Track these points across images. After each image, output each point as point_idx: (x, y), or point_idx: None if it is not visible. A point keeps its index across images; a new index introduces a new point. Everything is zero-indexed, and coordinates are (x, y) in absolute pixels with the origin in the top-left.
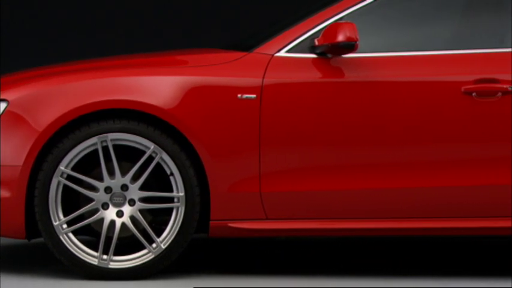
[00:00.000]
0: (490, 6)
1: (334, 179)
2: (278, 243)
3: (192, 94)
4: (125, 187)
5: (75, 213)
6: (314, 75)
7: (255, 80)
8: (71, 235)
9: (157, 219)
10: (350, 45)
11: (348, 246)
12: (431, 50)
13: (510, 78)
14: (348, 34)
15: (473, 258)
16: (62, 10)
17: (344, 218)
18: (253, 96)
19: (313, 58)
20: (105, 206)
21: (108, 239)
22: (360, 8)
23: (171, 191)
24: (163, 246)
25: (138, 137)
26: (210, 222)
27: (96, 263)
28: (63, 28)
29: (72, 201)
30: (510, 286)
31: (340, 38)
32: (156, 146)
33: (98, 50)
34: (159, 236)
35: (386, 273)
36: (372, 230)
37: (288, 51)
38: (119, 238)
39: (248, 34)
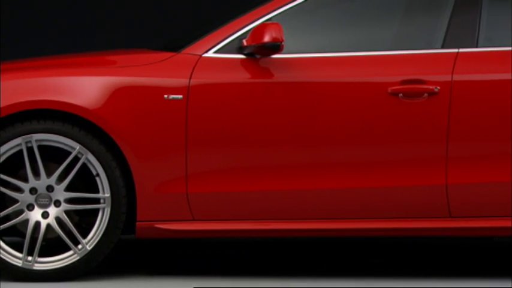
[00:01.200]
0: (418, 8)
1: (261, 180)
2: (278, 243)
3: (118, 95)
4: (50, 188)
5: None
6: (242, 76)
7: (181, 81)
8: None
9: (86, 220)
10: (276, 46)
11: (345, 246)
12: (359, 51)
13: (437, 79)
14: (274, 35)
15: (473, 258)
16: (62, 10)
17: (272, 219)
18: (180, 96)
19: (242, 59)
20: (30, 207)
21: (35, 240)
22: (290, 8)
23: (97, 192)
24: (88, 248)
25: (63, 137)
26: (137, 223)
27: (20, 265)
28: (62, 28)
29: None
30: (510, 286)
31: (266, 38)
32: (81, 146)
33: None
34: (86, 237)
35: (387, 273)
36: (300, 230)
37: (216, 52)
38: (46, 239)
39: (184, 35)
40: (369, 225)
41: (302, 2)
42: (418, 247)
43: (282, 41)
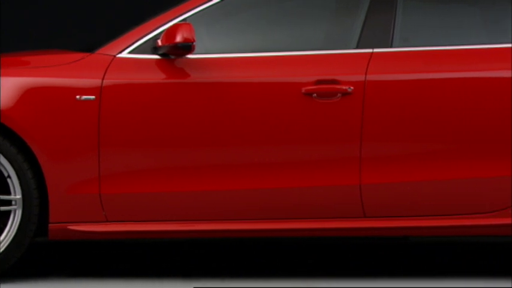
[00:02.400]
0: (334, 8)
1: (174, 181)
2: (279, 243)
3: (30, 96)
4: None
5: None
6: (156, 76)
7: (94, 81)
8: None
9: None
10: (187, 46)
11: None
12: (274, 51)
13: (350, 80)
14: (185, 35)
15: (473, 258)
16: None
17: (186, 219)
18: (92, 97)
19: (157, 59)
20: None
21: None
22: (206, 8)
23: (9, 193)
24: (0, 250)
25: None
26: (49, 225)
27: None
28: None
29: None
30: (510, 286)
31: (178, 39)
32: None
33: None
34: None
35: (388, 273)
36: (215, 231)
37: (130, 52)
38: None
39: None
40: (285, 225)
41: (218, 2)
42: (418, 247)
43: (193, 41)
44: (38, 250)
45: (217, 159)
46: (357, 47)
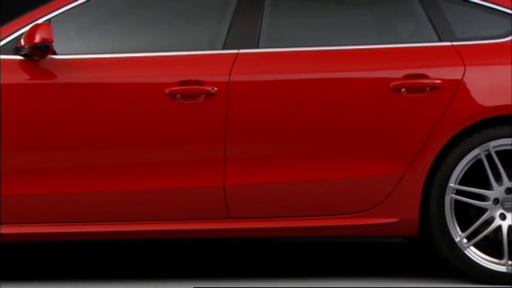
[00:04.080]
0: (202, 8)
1: (39, 182)
2: (281, 245)
3: None
4: None
5: None
6: (20, 77)
7: None
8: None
9: None
10: (45, 47)
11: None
12: (140, 52)
13: (214, 80)
14: (43, 36)
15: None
16: None
17: (54, 222)
18: None
19: (20, 60)
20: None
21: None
22: (72, 8)
23: None
24: None
25: None
26: None
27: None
28: None
29: None
30: (510, 286)
31: (37, 39)
32: None
33: None
34: None
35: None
36: (87, 234)
37: None
38: None
39: None
40: (149, 227)
41: (84, 2)
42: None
43: (51, 41)
44: (37, 250)
45: (83, 161)
46: (223, 48)
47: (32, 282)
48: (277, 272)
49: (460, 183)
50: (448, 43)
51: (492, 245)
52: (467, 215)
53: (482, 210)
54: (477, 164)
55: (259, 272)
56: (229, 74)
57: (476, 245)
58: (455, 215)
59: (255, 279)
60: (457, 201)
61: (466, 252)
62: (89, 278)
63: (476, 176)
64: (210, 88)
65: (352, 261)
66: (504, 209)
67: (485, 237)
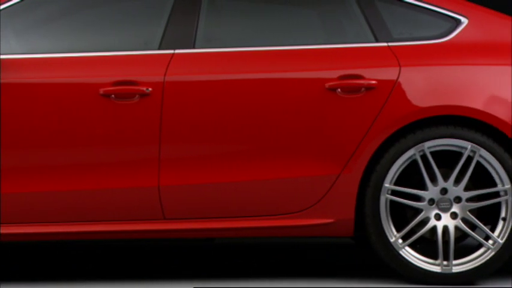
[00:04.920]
0: (138, 8)
1: None
2: (283, 245)
3: None
4: None
5: None
6: None
7: None
8: None
9: None
10: None
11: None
12: (75, 52)
13: (149, 80)
14: None
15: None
16: None
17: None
18: None
19: None
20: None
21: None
22: (5, 8)
23: None
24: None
25: None
26: None
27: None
28: None
29: None
30: (510, 286)
31: None
32: None
33: None
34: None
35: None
36: (24, 235)
37: None
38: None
39: None
40: (83, 228)
41: (19, 2)
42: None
43: None
44: (37, 251)
45: (15, 161)
46: (159, 48)
47: (32, 282)
48: (277, 272)
49: (396, 184)
50: (384, 44)
51: (429, 245)
52: (404, 215)
53: (419, 211)
54: (413, 164)
55: (259, 273)
56: (164, 74)
57: (412, 246)
58: (393, 215)
59: (255, 279)
60: (395, 202)
61: (401, 252)
62: (88, 278)
63: (412, 176)
64: (144, 88)
65: (291, 261)
66: (439, 209)
67: (422, 237)
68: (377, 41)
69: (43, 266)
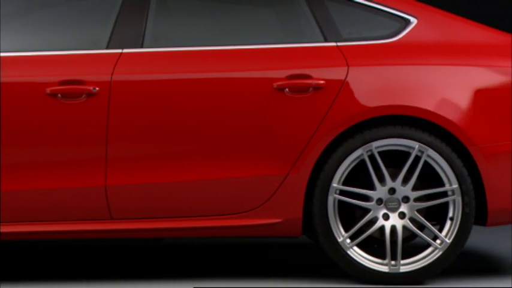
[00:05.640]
0: (88, 7)
1: None
2: (284, 246)
3: None
4: None
5: None
6: None
7: None
8: None
9: None
10: None
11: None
12: (24, 51)
13: (96, 80)
14: None
15: (473, 258)
16: None
17: None
18: None
19: None
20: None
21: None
22: None
23: None
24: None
25: None
26: None
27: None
28: None
29: None
30: (510, 286)
31: None
32: None
33: None
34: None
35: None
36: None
37: None
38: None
39: None
40: (29, 228)
41: None
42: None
43: None
44: (37, 251)
45: None
46: (107, 48)
47: (32, 282)
48: (277, 272)
49: (344, 184)
50: (333, 43)
51: (378, 245)
52: (353, 215)
53: (367, 211)
54: (361, 164)
55: (259, 273)
56: (112, 74)
57: (366, 246)
58: (343, 215)
59: (255, 279)
60: (344, 202)
61: (348, 252)
62: (88, 278)
63: (361, 176)
64: (91, 88)
65: (244, 261)
66: (387, 209)
67: (371, 237)
68: (326, 40)
69: (43, 266)
